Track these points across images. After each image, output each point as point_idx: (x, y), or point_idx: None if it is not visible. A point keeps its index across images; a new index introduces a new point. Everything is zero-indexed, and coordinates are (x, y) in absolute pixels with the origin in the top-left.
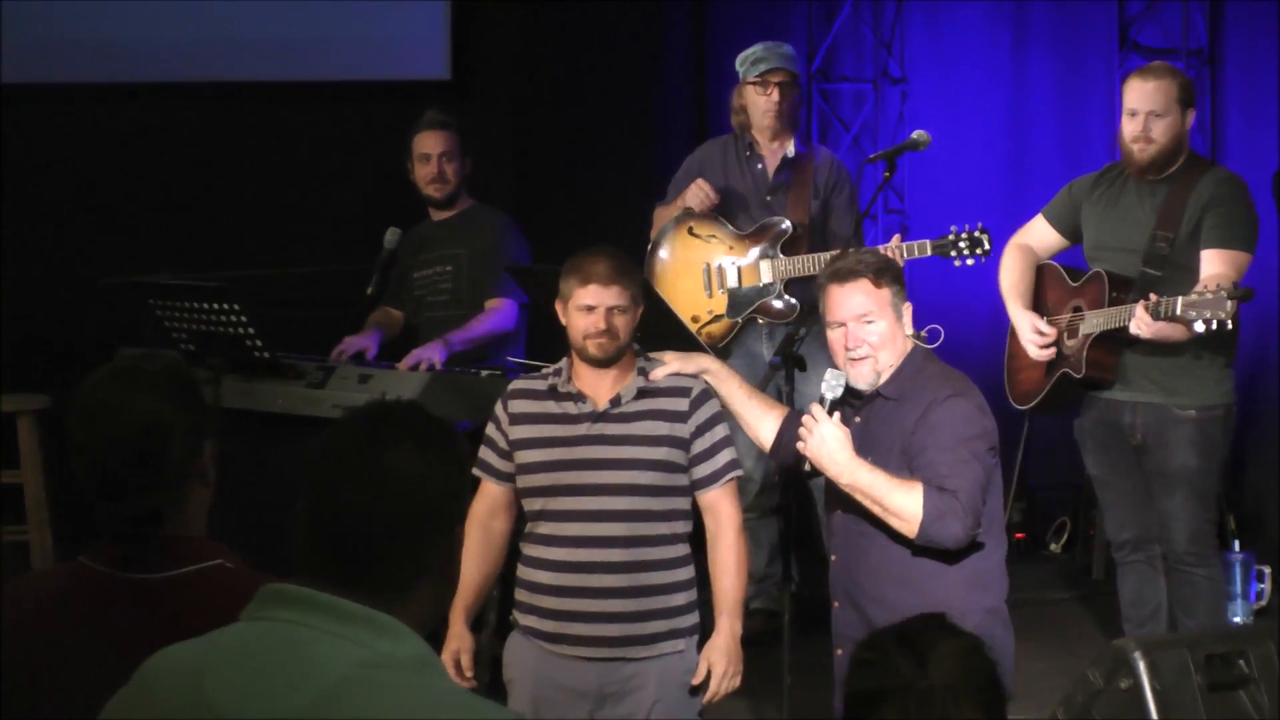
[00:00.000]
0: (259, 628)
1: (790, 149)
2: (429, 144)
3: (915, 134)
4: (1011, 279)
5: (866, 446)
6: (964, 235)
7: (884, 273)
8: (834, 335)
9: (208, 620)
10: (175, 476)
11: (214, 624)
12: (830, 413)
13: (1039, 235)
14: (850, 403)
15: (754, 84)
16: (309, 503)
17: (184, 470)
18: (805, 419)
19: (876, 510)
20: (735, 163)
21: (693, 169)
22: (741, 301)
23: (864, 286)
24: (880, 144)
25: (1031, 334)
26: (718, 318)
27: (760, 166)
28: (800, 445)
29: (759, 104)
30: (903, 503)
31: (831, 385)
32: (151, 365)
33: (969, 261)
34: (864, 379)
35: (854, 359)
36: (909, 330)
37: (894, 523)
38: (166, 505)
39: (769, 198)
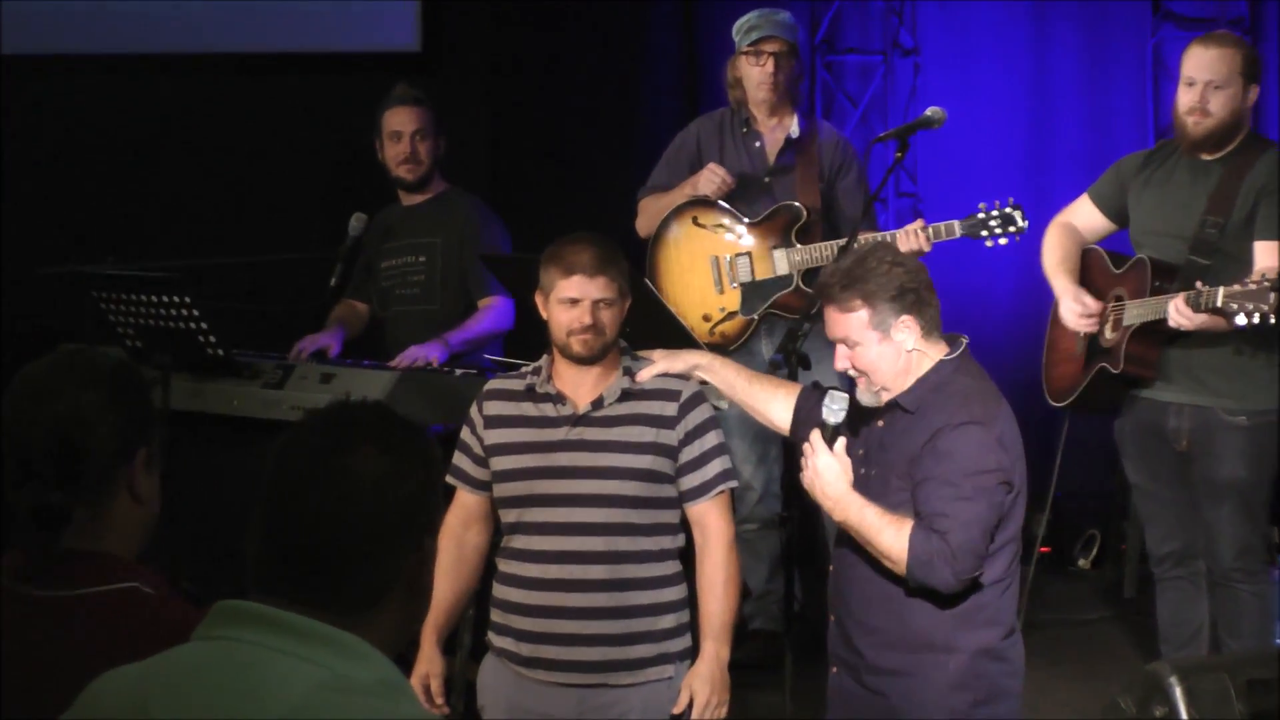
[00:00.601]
0: (210, 648)
1: (794, 128)
2: (400, 121)
3: (929, 110)
4: (1056, 256)
5: (879, 455)
6: (995, 213)
7: (854, 288)
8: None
9: (107, 648)
10: (95, 480)
11: (114, 653)
12: (832, 440)
13: (1084, 217)
14: (877, 409)
15: (747, 54)
16: (264, 512)
17: (107, 476)
18: (805, 447)
19: (869, 548)
20: (731, 141)
21: (686, 148)
22: (757, 296)
23: (832, 311)
24: (890, 121)
25: (1074, 302)
26: (731, 315)
27: (759, 145)
28: (802, 475)
29: (753, 76)
30: (890, 544)
31: (833, 410)
32: (95, 359)
33: (1002, 241)
34: (864, 398)
35: (853, 376)
36: (911, 345)
37: (885, 562)
38: (81, 510)
39: (768, 179)
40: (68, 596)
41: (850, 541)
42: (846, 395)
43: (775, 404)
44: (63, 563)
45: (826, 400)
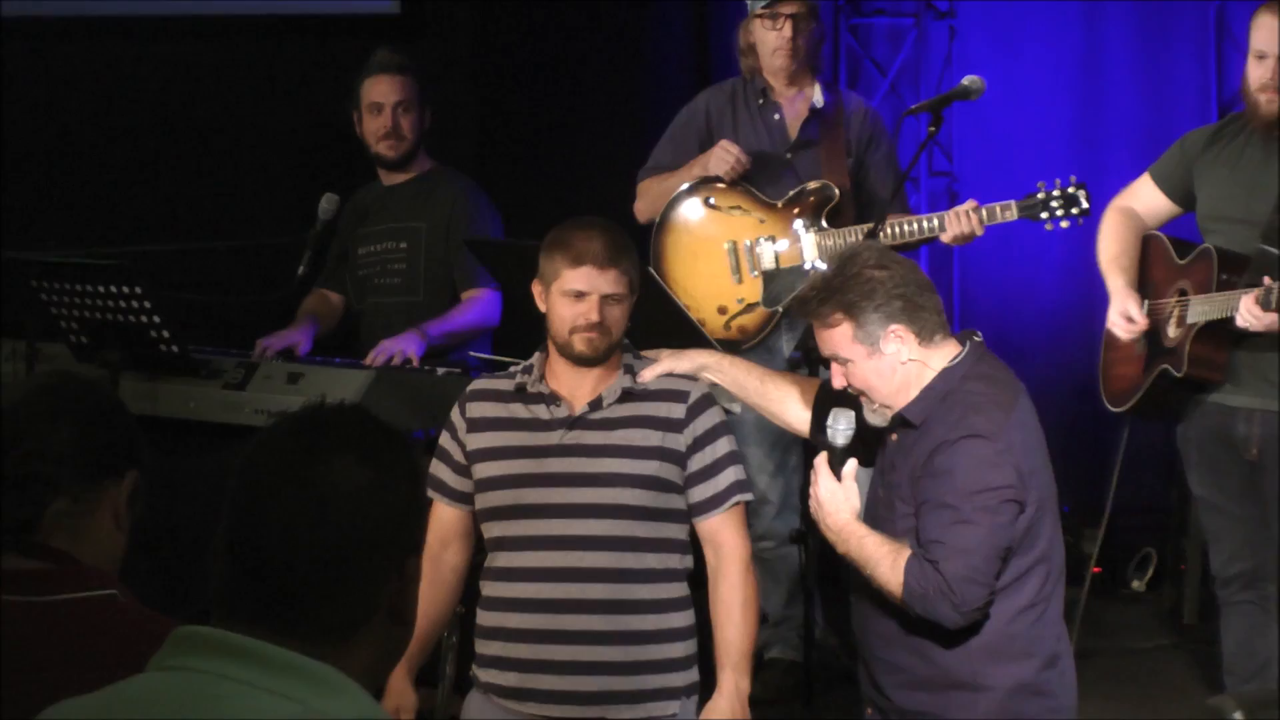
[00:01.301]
0: (168, 679)
1: (817, 97)
2: (380, 91)
3: (966, 80)
4: (1113, 249)
5: (889, 476)
6: (1056, 193)
7: (833, 300)
8: None
9: (84, 657)
10: (65, 492)
11: (92, 663)
12: (840, 463)
13: (1145, 199)
14: (892, 420)
15: (762, 16)
16: (229, 528)
17: (79, 491)
18: (810, 474)
19: (873, 582)
20: (746, 114)
21: (694, 123)
22: (781, 286)
23: (817, 328)
24: (923, 92)
25: (1117, 316)
26: (751, 307)
27: (777, 117)
28: (810, 502)
29: (768, 41)
30: (886, 577)
31: (839, 430)
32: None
33: (1063, 224)
34: (871, 418)
35: (855, 393)
36: (906, 356)
37: (889, 596)
38: (61, 502)
39: (790, 156)
40: (43, 602)
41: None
42: (853, 413)
43: (791, 403)
44: (35, 570)
45: (830, 420)
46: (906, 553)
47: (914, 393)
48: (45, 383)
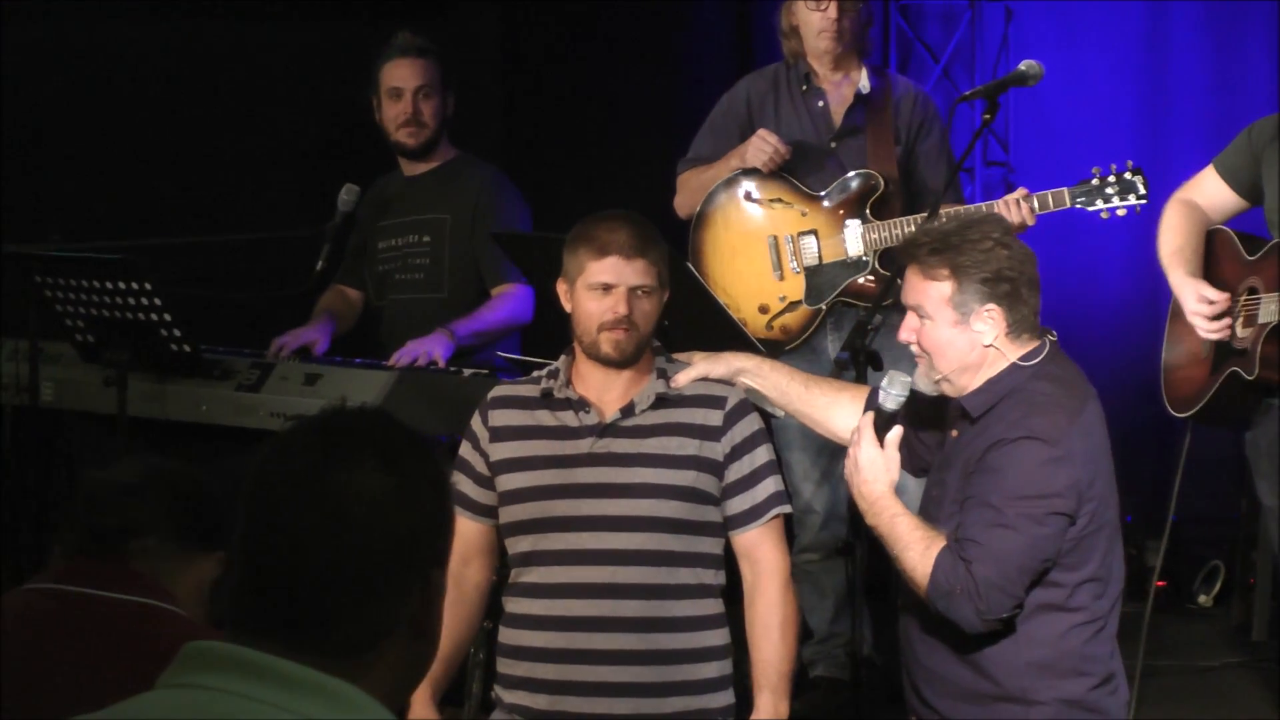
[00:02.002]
0: (178, 697)
1: (863, 83)
2: (400, 75)
3: (1023, 65)
4: (1175, 242)
5: (943, 473)
6: (1112, 179)
7: (946, 258)
8: None
9: (130, 665)
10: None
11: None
12: (885, 429)
13: (1209, 192)
14: (954, 413)
15: None
16: (243, 539)
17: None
18: (852, 434)
19: (896, 565)
20: (789, 101)
21: (734, 111)
22: (824, 283)
23: (914, 272)
24: (978, 78)
25: (1197, 302)
26: (793, 305)
27: (821, 104)
28: (845, 463)
29: (812, 23)
30: (914, 563)
31: (890, 394)
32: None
33: (1120, 212)
34: (920, 381)
35: (913, 353)
36: (989, 339)
37: (910, 584)
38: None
39: (834, 144)
40: (100, 596)
41: None
42: (909, 379)
43: (838, 410)
44: (106, 566)
45: (885, 382)
46: (940, 544)
47: (979, 379)
48: (139, 459)
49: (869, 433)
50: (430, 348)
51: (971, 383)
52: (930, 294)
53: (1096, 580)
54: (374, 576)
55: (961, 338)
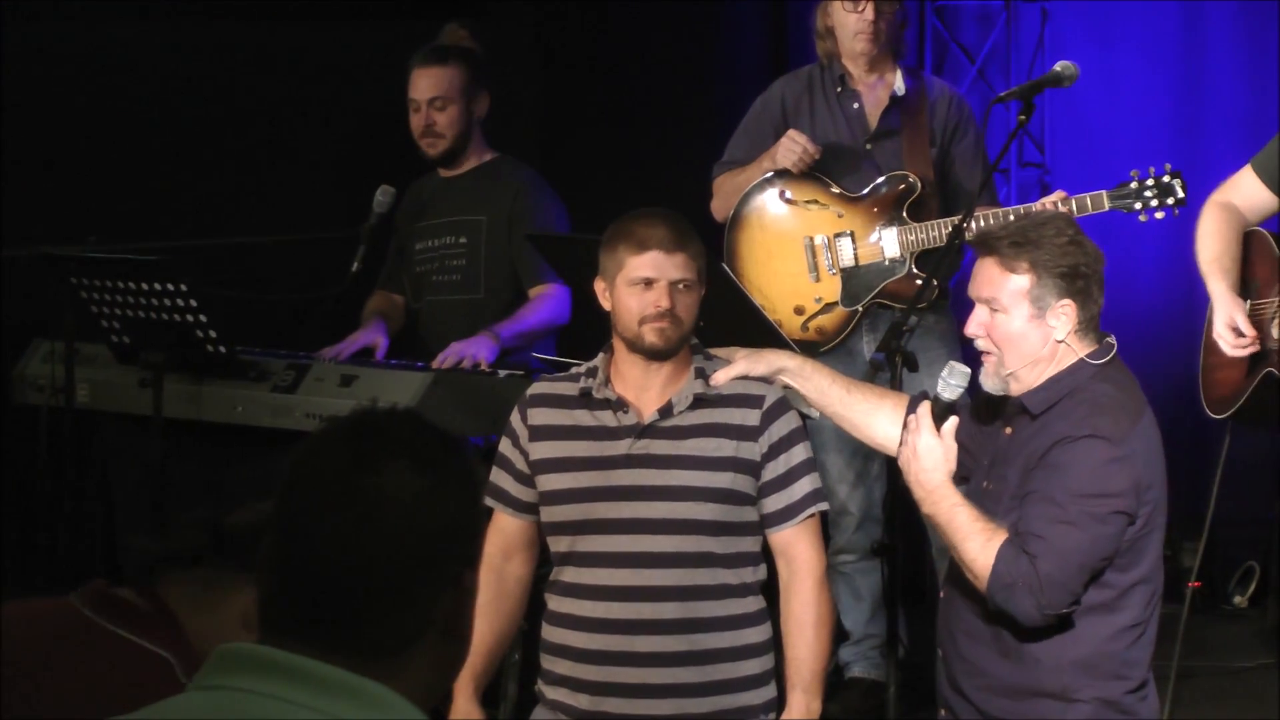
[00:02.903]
0: (210, 699)
1: (898, 84)
2: (419, 86)
3: (1058, 65)
4: (1214, 248)
5: (1000, 469)
6: (1150, 182)
7: (1025, 251)
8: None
9: (106, 698)
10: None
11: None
12: (942, 418)
13: (1246, 193)
14: (1006, 410)
15: None
16: (275, 540)
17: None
18: (909, 419)
19: (953, 554)
20: (824, 103)
21: (769, 113)
22: (860, 285)
23: (991, 265)
24: (1014, 78)
25: (1224, 328)
26: (829, 307)
27: (856, 106)
28: (900, 451)
29: (848, 24)
30: (974, 556)
31: (949, 384)
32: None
33: (1158, 215)
34: (986, 378)
35: (979, 349)
36: (1062, 334)
37: (968, 575)
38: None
39: (869, 146)
40: (104, 628)
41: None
42: (968, 371)
43: (879, 417)
44: (137, 606)
45: (945, 372)
46: (1002, 536)
47: (1045, 375)
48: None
49: (927, 421)
50: (475, 349)
51: (1038, 377)
52: (1008, 287)
53: (1145, 583)
54: (406, 577)
55: (1036, 332)
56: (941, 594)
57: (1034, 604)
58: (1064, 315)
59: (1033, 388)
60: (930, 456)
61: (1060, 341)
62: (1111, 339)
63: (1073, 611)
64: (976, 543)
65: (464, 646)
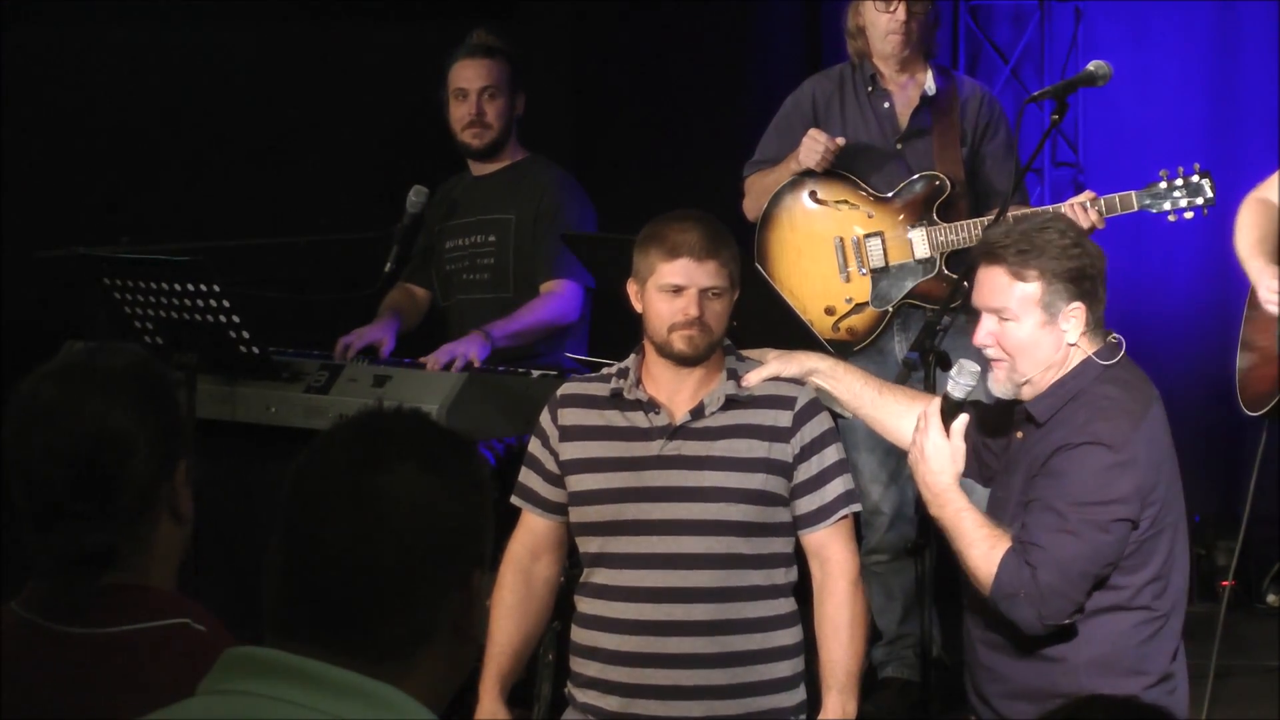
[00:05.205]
0: (221, 704)
1: (929, 84)
2: (467, 76)
3: (1092, 65)
4: (1255, 235)
5: (1004, 478)
6: (1179, 181)
7: (1032, 258)
8: (977, 324)
9: (155, 693)
10: (135, 506)
11: (162, 699)
12: (951, 417)
13: None
14: (1018, 416)
15: None
16: (283, 542)
17: (147, 498)
18: (919, 419)
19: (958, 559)
20: (854, 102)
21: (799, 113)
22: (891, 285)
23: (1000, 274)
24: (1047, 78)
25: (1269, 292)
26: (860, 307)
27: (887, 106)
28: (910, 452)
29: (880, 24)
30: (977, 564)
31: (959, 383)
32: (110, 361)
33: (1187, 215)
34: (997, 384)
35: (990, 358)
36: (1074, 337)
37: (971, 580)
38: (122, 543)
39: (900, 146)
40: (111, 634)
41: None
42: (978, 368)
43: (910, 420)
44: (102, 597)
45: (954, 370)
46: (1005, 544)
47: (1055, 378)
48: (81, 363)
49: (935, 420)
50: (466, 349)
51: (1049, 382)
52: (1017, 295)
53: (1158, 580)
54: (414, 579)
55: (1048, 338)
56: (964, 603)
57: (1035, 614)
58: (1074, 318)
59: (1041, 393)
60: (938, 457)
61: (1072, 345)
62: (1116, 337)
63: (1075, 620)
64: (980, 550)
65: (472, 648)
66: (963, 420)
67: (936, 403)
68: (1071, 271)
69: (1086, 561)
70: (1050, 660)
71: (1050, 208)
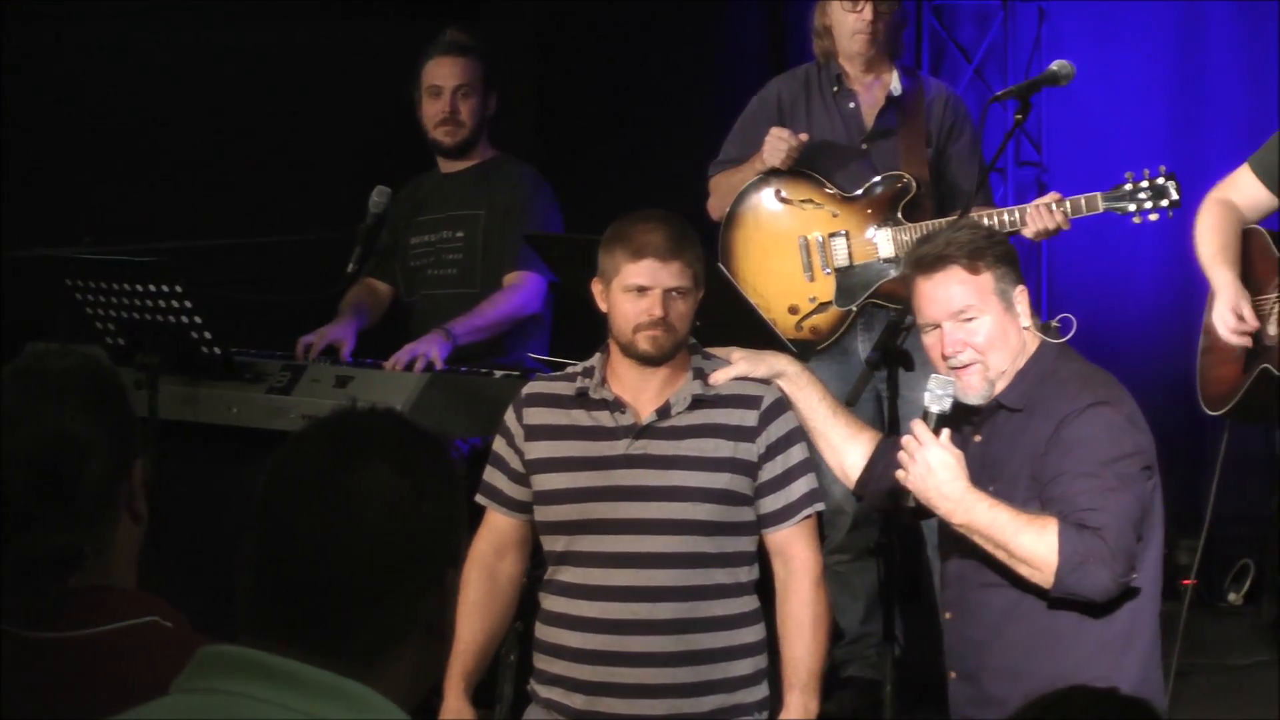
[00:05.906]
0: (193, 702)
1: (895, 85)
2: (441, 74)
3: (1055, 64)
4: (1217, 241)
5: (988, 473)
6: (1144, 184)
7: (982, 251)
8: (929, 340)
9: (130, 692)
10: (94, 508)
11: (138, 697)
12: (937, 431)
13: (1244, 191)
14: (969, 419)
15: None
16: (256, 541)
17: (105, 500)
18: (906, 441)
19: (1001, 556)
20: (820, 102)
21: (765, 112)
22: (855, 284)
23: (956, 275)
24: (1011, 78)
25: (1227, 312)
26: (823, 306)
27: (853, 106)
28: (900, 475)
29: (847, 24)
30: (1033, 547)
31: (937, 396)
32: (62, 364)
33: (1152, 217)
34: (975, 391)
35: (957, 367)
36: (1027, 321)
37: (1024, 571)
38: (84, 544)
39: (865, 146)
40: (84, 636)
41: (964, 578)
42: (951, 379)
43: (852, 448)
44: (70, 600)
45: (930, 384)
46: (1051, 521)
47: (1018, 368)
48: (34, 366)
49: (929, 436)
50: (427, 349)
51: (1014, 372)
52: (976, 291)
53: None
54: (387, 577)
55: (1011, 324)
56: (948, 614)
57: (1109, 575)
58: (1021, 301)
59: (1010, 383)
60: (946, 469)
61: (1026, 329)
62: (1056, 321)
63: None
64: (1030, 534)
65: (446, 646)
66: (946, 434)
67: (920, 422)
68: (1008, 255)
69: (1134, 513)
70: (1081, 642)
71: (1016, 209)
